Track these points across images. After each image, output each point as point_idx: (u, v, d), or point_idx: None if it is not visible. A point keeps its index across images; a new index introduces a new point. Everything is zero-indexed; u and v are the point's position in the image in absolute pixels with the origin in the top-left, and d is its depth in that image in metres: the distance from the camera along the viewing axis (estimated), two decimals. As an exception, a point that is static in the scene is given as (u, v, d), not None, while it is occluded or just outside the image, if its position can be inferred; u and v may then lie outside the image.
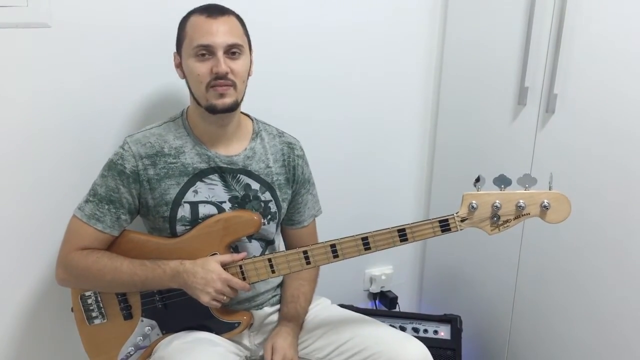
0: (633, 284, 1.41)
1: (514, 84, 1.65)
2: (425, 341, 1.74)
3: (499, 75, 1.71)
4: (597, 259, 1.49)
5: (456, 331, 1.78)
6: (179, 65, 1.32)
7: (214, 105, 1.26)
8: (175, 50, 1.33)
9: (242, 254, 1.31)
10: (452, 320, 1.80)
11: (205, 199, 1.33)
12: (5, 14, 1.38)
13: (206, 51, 1.24)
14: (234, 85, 1.26)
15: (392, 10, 1.86)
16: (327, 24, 1.77)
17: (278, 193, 1.41)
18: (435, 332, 1.79)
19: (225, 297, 1.27)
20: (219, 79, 1.24)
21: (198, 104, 1.30)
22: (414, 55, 1.95)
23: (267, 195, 1.39)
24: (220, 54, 1.24)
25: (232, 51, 1.26)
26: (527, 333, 1.74)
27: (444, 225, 1.23)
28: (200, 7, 1.29)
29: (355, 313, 1.46)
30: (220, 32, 1.24)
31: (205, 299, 1.26)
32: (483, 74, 1.79)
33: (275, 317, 1.46)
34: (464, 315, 1.83)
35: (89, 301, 1.35)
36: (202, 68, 1.25)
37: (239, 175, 1.36)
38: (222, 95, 1.26)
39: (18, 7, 1.38)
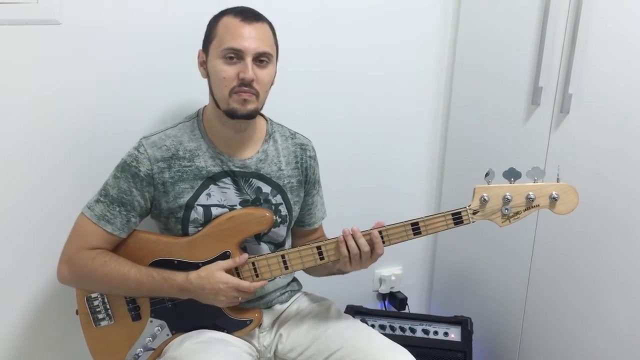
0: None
1: (528, 83, 1.63)
2: (436, 343, 1.76)
3: (513, 74, 1.69)
4: (612, 260, 1.47)
5: (467, 333, 1.77)
6: (202, 64, 1.30)
7: (234, 109, 1.25)
8: (201, 48, 1.30)
9: (244, 256, 1.29)
10: (462, 322, 1.79)
11: (217, 203, 1.33)
12: (16, 10, 1.37)
13: (235, 55, 1.22)
14: (256, 94, 1.25)
15: (404, 7, 1.85)
16: (338, 21, 1.76)
17: (289, 196, 1.40)
18: (446, 333, 1.78)
19: (240, 299, 1.28)
20: (243, 86, 1.23)
21: (217, 106, 1.28)
22: (425, 54, 1.94)
23: (278, 198, 1.38)
24: (249, 60, 1.22)
25: (260, 59, 1.24)
26: (539, 335, 1.72)
27: (457, 218, 1.25)
28: (235, 8, 1.27)
29: (351, 318, 1.44)
30: (252, 38, 1.22)
31: (220, 305, 1.29)
32: (496, 73, 1.77)
33: (286, 313, 1.45)
34: (475, 316, 1.82)
35: (96, 303, 1.34)
36: (228, 71, 1.22)
37: (251, 179, 1.35)
38: (244, 102, 1.24)
39: (28, 4, 1.38)
